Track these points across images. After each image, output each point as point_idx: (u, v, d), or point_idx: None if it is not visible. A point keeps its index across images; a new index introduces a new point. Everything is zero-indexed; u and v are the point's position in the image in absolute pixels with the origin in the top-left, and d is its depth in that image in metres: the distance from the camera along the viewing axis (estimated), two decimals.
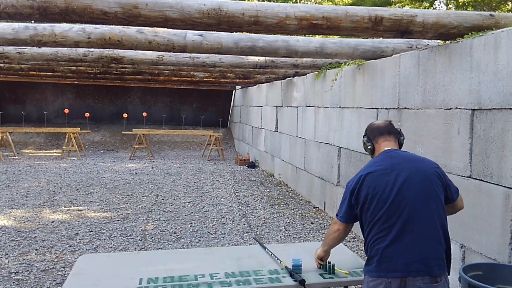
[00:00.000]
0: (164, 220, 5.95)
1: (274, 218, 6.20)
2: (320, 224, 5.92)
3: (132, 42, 4.58)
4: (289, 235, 5.40)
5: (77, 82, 13.70)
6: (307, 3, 22.51)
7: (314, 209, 6.78)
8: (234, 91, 15.39)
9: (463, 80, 3.49)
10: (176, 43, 4.60)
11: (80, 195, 7.38)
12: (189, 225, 5.76)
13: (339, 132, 6.07)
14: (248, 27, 3.58)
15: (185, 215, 6.25)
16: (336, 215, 2.33)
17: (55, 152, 12.83)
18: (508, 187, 3.00)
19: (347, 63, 6.07)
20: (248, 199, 7.39)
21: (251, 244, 4.94)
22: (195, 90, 14.97)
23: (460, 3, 16.70)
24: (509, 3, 15.93)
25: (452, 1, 17.92)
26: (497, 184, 3.11)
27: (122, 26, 4.38)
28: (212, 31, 3.87)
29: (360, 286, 2.53)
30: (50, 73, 10.31)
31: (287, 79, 8.83)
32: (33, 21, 4.09)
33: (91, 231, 5.42)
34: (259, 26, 3.54)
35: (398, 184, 2.08)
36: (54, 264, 4.33)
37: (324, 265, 2.53)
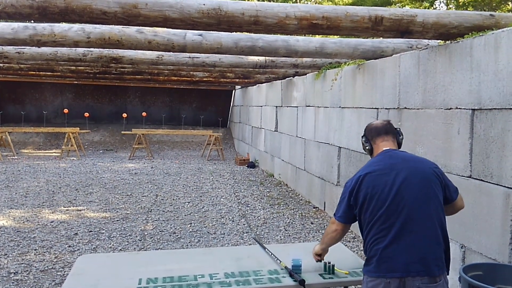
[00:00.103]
0: (163, 220, 5.94)
1: (274, 218, 6.20)
2: (320, 224, 5.91)
3: (131, 42, 4.57)
4: (289, 235, 5.40)
5: (76, 82, 13.68)
6: (307, 3, 22.51)
7: (314, 209, 6.77)
8: (234, 91, 15.39)
9: (463, 80, 3.48)
10: (175, 43, 4.59)
11: (79, 195, 7.37)
12: (189, 225, 5.75)
13: (339, 132, 6.07)
14: (248, 27, 3.57)
15: (185, 215, 6.24)
16: (334, 214, 2.33)
17: (55, 152, 12.82)
18: (508, 187, 3.00)
19: (347, 63, 6.07)
20: (248, 199, 7.38)
21: (250, 244, 4.94)
22: (195, 90, 14.97)
23: (460, 3, 16.70)
24: (510, 3, 15.94)
25: (452, 1, 17.92)
26: (497, 184, 3.10)
27: (122, 26, 4.37)
28: (212, 31, 3.87)
29: (360, 286, 2.53)
30: (49, 73, 10.30)
31: (287, 79, 8.82)
32: (32, 21, 4.08)
33: (91, 231, 5.41)
34: (259, 26, 3.53)
35: (397, 184, 2.08)
36: (53, 264, 4.32)
37: (324, 265, 2.52)
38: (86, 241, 5.04)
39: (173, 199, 7.22)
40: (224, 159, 12.32)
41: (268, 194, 7.78)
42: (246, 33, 4.40)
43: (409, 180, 2.09)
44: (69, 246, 4.84)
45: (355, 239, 5.22)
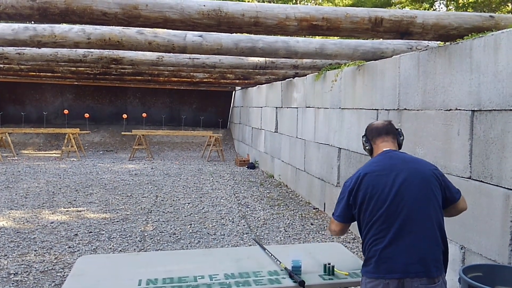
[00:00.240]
0: (163, 221, 5.94)
1: (274, 219, 6.20)
2: (320, 225, 5.91)
3: (132, 43, 4.58)
4: (289, 236, 5.40)
5: (76, 83, 13.69)
6: (307, 4, 22.52)
7: (314, 210, 6.77)
8: (234, 92, 15.39)
9: (463, 81, 3.48)
10: (176, 44, 4.60)
11: (79, 196, 7.37)
12: (189, 226, 5.75)
13: (339, 133, 6.07)
14: (248, 28, 3.58)
15: (185, 216, 6.24)
16: (333, 214, 2.33)
17: (55, 153, 12.82)
18: (508, 188, 3.00)
19: (347, 64, 6.07)
20: (248, 200, 7.38)
21: (250, 245, 4.94)
22: (195, 90, 14.97)
23: (460, 4, 16.72)
24: (509, 4, 15.95)
25: (452, 2, 17.93)
26: (497, 185, 3.10)
27: (122, 27, 4.38)
28: (212, 32, 3.87)
29: (359, 287, 2.53)
30: (49, 74, 10.31)
31: (287, 80, 8.83)
32: (33, 22, 4.09)
33: (91, 232, 5.41)
34: (259, 27, 3.54)
35: (396, 184, 2.08)
36: (53, 265, 4.32)
37: (324, 266, 2.52)
38: (86, 242, 5.04)
39: (173, 200, 7.22)
40: (224, 160, 12.32)
41: (268, 195, 7.78)
42: (246, 34, 4.40)
43: (409, 181, 2.09)
44: (69, 247, 4.84)
45: (355, 240, 5.22)
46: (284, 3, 18.42)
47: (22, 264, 4.32)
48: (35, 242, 4.98)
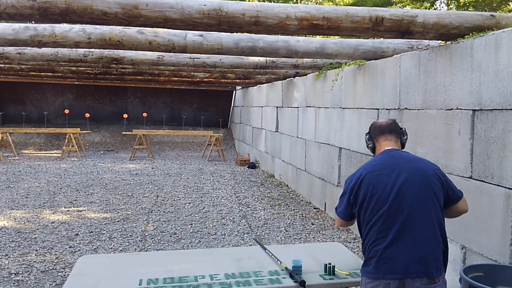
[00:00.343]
0: (164, 221, 5.94)
1: (275, 219, 6.20)
2: (321, 225, 5.91)
3: (132, 42, 4.57)
4: (290, 236, 5.40)
5: (77, 83, 13.69)
6: (308, 4, 22.51)
7: (314, 210, 6.77)
8: (234, 92, 15.39)
9: (464, 81, 3.48)
10: (176, 43, 4.59)
11: (80, 196, 7.37)
12: (189, 226, 5.75)
13: (340, 133, 6.07)
14: (249, 28, 3.57)
15: (185, 216, 6.24)
16: (336, 209, 2.34)
17: (55, 153, 12.83)
18: (509, 188, 2.99)
19: (348, 64, 6.07)
20: (249, 199, 7.38)
21: (251, 245, 4.94)
22: (196, 90, 14.97)
23: (461, 3, 16.69)
24: (510, 3, 15.92)
25: (453, 1, 17.91)
26: (498, 185, 3.10)
27: (123, 27, 4.38)
28: (213, 31, 3.87)
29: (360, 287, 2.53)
30: (50, 74, 10.32)
31: (287, 79, 8.82)
32: (33, 22, 4.09)
33: (91, 232, 5.41)
34: (260, 27, 3.53)
35: (398, 184, 2.08)
36: (54, 265, 4.32)
37: (325, 266, 2.52)
38: (87, 241, 5.04)
39: (174, 200, 7.23)
40: (224, 160, 12.32)
41: (268, 195, 7.78)
42: (246, 33, 4.40)
43: (410, 181, 2.08)
44: (70, 247, 4.84)
45: (356, 240, 5.22)
46: (285, 3, 18.41)
47: (23, 264, 4.33)
48: (36, 242, 4.98)
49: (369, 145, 2.40)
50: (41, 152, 13.11)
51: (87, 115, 13.54)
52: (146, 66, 7.31)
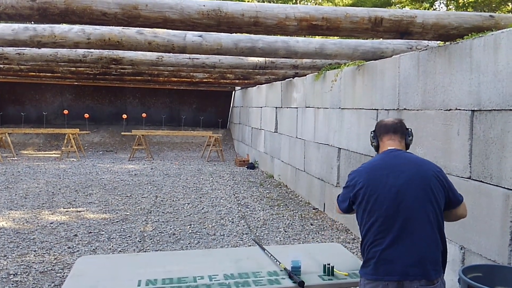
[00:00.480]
0: (163, 222, 5.94)
1: (274, 219, 6.20)
2: (320, 226, 5.91)
3: (131, 43, 4.57)
4: (289, 237, 5.40)
5: (76, 83, 13.69)
6: (307, 4, 22.53)
7: (313, 210, 6.77)
8: (233, 92, 15.39)
9: (463, 81, 3.48)
10: (175, 44, 4.59)
11: (79, 197, 7.36)
12: (188, 226, 5.75)
13: (339, 133, 6.07)
14: (248, 28, 3.57)
15: (184, 217, 6.24)
16: (338, 196, 2.36)
17: (54, 153, 12.82)
18: (507, 188, 3.00)
19: (347, 64, 6.07)
20: (248, 200, 7.38)
21: (250, 245, 4.93)
22: (195, 91, 14.97)
23: (460, 4, 16.71)
24: (509, 4, 15.95)
25: (452, 1, 17.93)
26: (497, 185, 3.10)
27: (122, 27, 4.38)
28: (212, 32, 3.87)
29: None
30: (49, 74, 10.31)
31: (286, 80, 8.83)
32: (32, 22, 4.09)
33: (90, 232, 5.40)
34: (259, 27, 3.53)
35: (397, 185, 2.07)
36: (53, 265, 4.32)
37: (324, 267, 2.52)
38: (86, 242, 5.04)
39: (173, 200, 7.22)
40: (224, 160, 12.32)
41: (267, 195, 7.78)
42: (246, 34, 4.40)
43: (410, 182, 2.08)
44: (69, 248, 4.84)
45: (355, 240, 5.22)
46: (284, 3, 18.42)
47: (22, 264, 4.32)
48: (34, 243, 4.97)
49: (373, 143, 2.40)
50: (40, 152, 13.09)
51: (86, 115, 13.53)
52: (145, 66, 7.31)
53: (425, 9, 17.15)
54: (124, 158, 12.23)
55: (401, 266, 1.99)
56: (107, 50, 6.00)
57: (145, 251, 4.72)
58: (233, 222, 5.98)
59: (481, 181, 3.27)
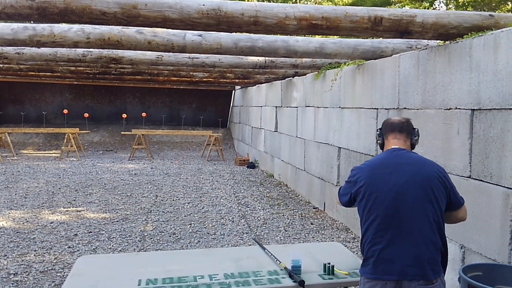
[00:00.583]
0: (163, 221, 5.94)
1: (274, 218, 6.20)
2: (320, 225, 5.91)
3: (131, 42, 4.57)
4: (289, 236, 5.40)
5: (76, 83, 13.68)
6: (307, 3, 22.52)
7: (314, 209, 6.77)
8: (233, 91, 15.39)
9: (463, 80, 3.48)
10: (175, 43, 4.59)
11: (79, 196, 7.36)
12: (189, 226, 5.75)
13: (339, 132, 6.07)
14: (248, 27, 3.57)
15: (185, 216, 6.24)
16: (339, 189, 2.36)
17: (54, 153, 12.81)
18: (507, 187, 3.00)
19: (347, 63, 6.07)
20: (248, 199, 7.38)
21: (250, 245, 4.94)
22: (195, 90, 14.96)
23: (460, 3, 16.71)
24: (509, 3, 15.94)
25: (452, 1, 17.93)
26: (497, 185, 3.10)
27: (121, 27, 4.37)
28: (212, 31, 3.86)
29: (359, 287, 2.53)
30: (49, 74, 10.30)
31: (286, 79, 8.82)
32: (32, 22, 4.08)
33: (90, 232, 5.41)
34: (259, 26, 3.53)
35: (398, 185, 2.07)
36: (53, 265, 4.32)
37: (324, 266, 2.52)
38: (86, 242, 5.04)
39: (173, 200, 7.22)
40: (224, 160, 12.32)
41: (268, 195, 7.78)
42: (245, 33, 4.40)
43: (412, 182, 2.07)
44: (69, 247, 4.84)
45: (355, 240, 5.22)
46: (284, 2, 18.41)
47: (22, 264, 4.32)
48: (34, 242, 4.98)
49: (378, 141, 2.41)
50: (40, 152, 13.09)
51: (86, 115, 13.53)
52: (145, 66, 7.30)
53: (425, 8, 17.15)
54: (124, 158, 12.22)
55: (399, 265, 2.00)
56: (107, 50, 6.00)
57: (145, 251, 4.73)
58: (233, 222, 5.98)
59: (481, 180, 3.28)
